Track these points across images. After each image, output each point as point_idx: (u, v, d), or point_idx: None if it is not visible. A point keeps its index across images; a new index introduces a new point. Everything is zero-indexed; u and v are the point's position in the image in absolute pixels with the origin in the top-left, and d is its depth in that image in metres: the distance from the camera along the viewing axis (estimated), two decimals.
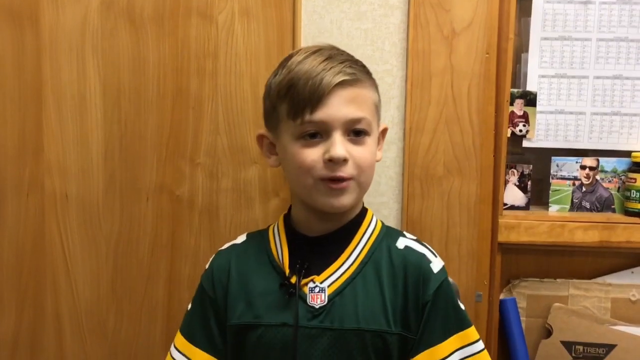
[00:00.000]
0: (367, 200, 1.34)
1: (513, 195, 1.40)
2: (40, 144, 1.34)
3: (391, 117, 1.33)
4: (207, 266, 1.13)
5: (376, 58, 1.32)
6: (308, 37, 1.30)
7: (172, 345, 1.11)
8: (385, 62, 1.32)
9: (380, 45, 1.32)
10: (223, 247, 1.15)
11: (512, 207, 1.40)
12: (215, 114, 1.33)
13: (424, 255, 1.06)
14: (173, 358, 1.10)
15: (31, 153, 1.35)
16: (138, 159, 1.34)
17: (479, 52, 1.30)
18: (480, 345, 1.04)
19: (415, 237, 1.11)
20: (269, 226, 1.14)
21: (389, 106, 1.33)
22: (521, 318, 1.38)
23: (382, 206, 1.35)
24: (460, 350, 1.02)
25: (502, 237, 1.34)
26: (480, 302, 1.35)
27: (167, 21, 1.31)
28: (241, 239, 1.15)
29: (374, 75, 1.30)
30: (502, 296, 1.38)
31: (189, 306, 1.13)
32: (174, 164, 1.34)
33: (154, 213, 1.35)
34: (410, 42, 1.30)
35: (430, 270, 1.04)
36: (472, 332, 1.04)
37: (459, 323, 1.03)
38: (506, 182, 1.38)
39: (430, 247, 1.10)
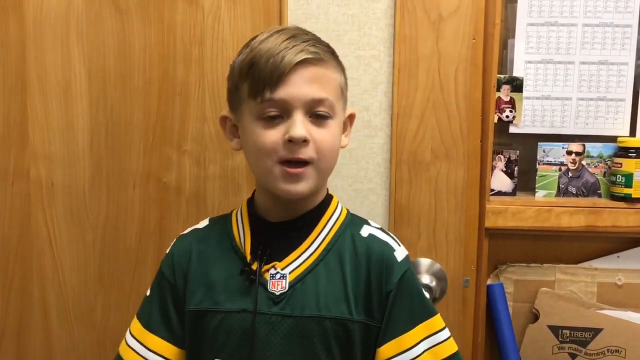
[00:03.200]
0: (355, 186, 1.34)
1: (500, 180, 1.40)
2: (25, 132, 1.33)
3: (378, 102, 1.33)
4: (167, 251, 1.11)
5: (363, 44, 1.32)
6: (295, 23, 1.30)
7: (128, 331, 1.09)
8: (373, 47, 1.32)
9: (367, 30, 1.32)
10: (184, 232, 1.13)
11: (499, 193, 1.41)
12: (202, 101, 1.33)
13: (387, 243, 1.05)
14: (127, 344, 1.07)
15: (16, 141, 1.34)
16: (124, 146, 1.34)
17: (466, 38, 1.30)
18: (447, 333, 1.03)
19: (379, 226, 1.10)
20: (232, 211, 1.12)
21: (376, 92, 1.33)
22: (508, 303, 1.39)
23: (370, 192, 1.35)
24: (427, 340, 1.01)
25: (489, 223, 1.34)
26: (468, 288, 1.35)
27: (153, 6, 1.30)
28: (203, 223, 1.13)
29: (361, 61, 1.31)
30: (489, 281, 1.39)
31: (148, 291, 1.11)
32: (161, 151, 1.34)
33: (141, 200, 1.35)
34: (397, 28, 1.30)
35: (394, 258, 1.03)
36: (437, 321, 1.03)
37: (424, 312, 1.03)
38: (493, 167, 1.39)
39: (394, 236, 1.09)
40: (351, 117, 1.10)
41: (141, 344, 1.06)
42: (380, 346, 1.01)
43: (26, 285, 1.37)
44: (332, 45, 1.28)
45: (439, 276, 1.34)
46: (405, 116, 1.32)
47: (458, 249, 1.35)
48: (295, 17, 1.31)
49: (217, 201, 1.35)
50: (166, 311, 1.06)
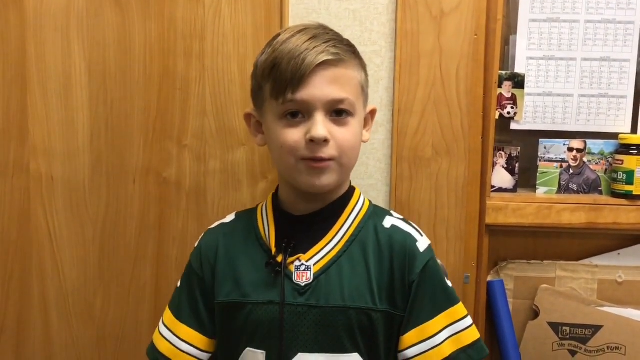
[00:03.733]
0: (356, 182, 1.33)
1: (501, 177, 1.40)
2: (25, 126, 1.33)
3: (380, 98, 1.33)
4: (196, 244, 1.14)
5: (365, 39, 1.31)
6: (296, 18, 1.29)
7: (161, 320, 1.12)
8: (374, 43, 1.31)
9: (368, 26, 1.31)
10: (212, 226, 1.16)
11: (500, 189, 1.40)
12: (203, 96, 1.32)
13: (409, 234, 1.07)
14: (160, 332, 1.11)
15: (16, 135, 1.33)
16: (125, 141, 1.33)
17: (468, 33, 1.30)
18: (469, 320, 1.05)
19: (402, 217, 1.12)
20: (257, 205, 1.14)
21: (378, 87, 1.32)
22: (508, 300, 1.39)
23: (370, 188, 1.35)
24: (450, 327, 1.03)
25: (490, 219, 1.34)
26: (468, 284, 1.35)
27: (154, 1, 1.30)
28: (230, 217, 1.16)
29: (363, 57, 1.30)
30: (489, 278, 1.39)
31: (178, 283, 1.13)
32: (161, 146, 1.33)
33: (141, 195, 1.34)
34: (398, 23, 1.30)
35: (417, 249, 1.05)
36: (460, 309, 1.05)
37: (447, 300, 1.05)
38: (494, 164, 1.38)
39: (416, 227, 1.10)
40: (372, 113, 1.12)
41: (173, 333, 1.10)
42: (403, 334, 1.03)
43: (26, 280, 1.37)
44: None
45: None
46: (406, 112, 1.32)
47: (458, 245, 1.35)
48: (296, 12, 1.30)
49: (218, 196, 1.34)
50: (195, 303, 1.09)
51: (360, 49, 1.29)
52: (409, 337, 1.03)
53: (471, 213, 1.34)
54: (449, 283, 1.07)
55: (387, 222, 1.08)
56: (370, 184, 1.35)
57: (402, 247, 1.05)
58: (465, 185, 1.33)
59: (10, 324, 1.37)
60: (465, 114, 1.32)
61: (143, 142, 1.33)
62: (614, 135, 1.40)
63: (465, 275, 1.35)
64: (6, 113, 1.33)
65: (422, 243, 1.07)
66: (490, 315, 1.38)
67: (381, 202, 1.35)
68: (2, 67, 1.32)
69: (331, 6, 1.31)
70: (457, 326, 1.04)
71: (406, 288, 1.03)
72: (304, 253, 1.04)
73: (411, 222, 1.11)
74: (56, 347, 1.38)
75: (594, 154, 1.40)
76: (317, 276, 1.02)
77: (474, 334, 1.05)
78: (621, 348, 1.35)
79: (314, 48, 0.98)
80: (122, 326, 1.37)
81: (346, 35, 1.29)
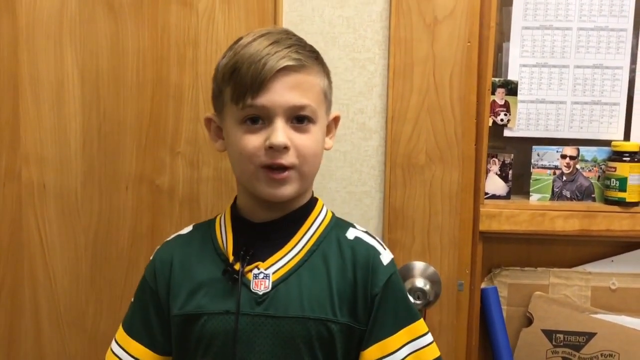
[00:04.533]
0: (349, 189, 1.34)
1: (494, 184, 1.40)
2: (16, 133, 1.32)
3: (373, 105, 1.33)
4: (151, 257, 1.11)
5: (358, 46, 1.31)
6: (289, 25, 1.29)
7: (114, 338, 1.10)
8: (368, 50, 1.31)
9: (362, 33, 1.31)
10: (168, 239, 1.14)
11: (494, 196, 1.40)
12: (196, 103, 1.32)
13: (373, 247, 1.05)
14: (112, 351, 1.09)
15: (7, 142, 1.32)
16: (117, 148, 1.33)
17: (461, 41, 1.30)
18: (429, 338, 1.03)
19: (365, 230, 1.10)
20: (216, 216, 1.12)
21: (371, 94, 1.32)
22: (502, 307, 1.38)
23: (364, 195, 1.35)
24: (410, 344, 1.01)
25: (484, 226, 1.34)
26: (462, 291, 1.35)
27: (147, 8, 1.30)
28: (187, 229, 1.14)
29: (356, 64, 1.31)
30: (483, 285, 1.39)
31: (132, 298, 1.11)
32: (154, 153, 1.33)
33: (133, 203, 1.34)
34: (392, 30, 1.30)
35: (380, 262, 1.03)
36: (421, 325, 1.03)
37: (409, 316, 1.03)
38: (487, 171, 1.38)
39: (379, 240, 1.09)
40: (336, 120, 1.11)
41: (124, 350, 1.07)
42: (364, 349, 1.01)
43: (17, 289, 1.36)
44: (327, 47, 1.29)
45: (433, 279, 1.33)
46: (400, 119, 1.32)
47: (452, 252, 1.34)
48: (290, 19, 1.30)
49: (211, 203, 1.34)
50: (147, 318, 1.07)
51: (353, 55, 1.31)
52: (370, 353, 1.01)
53: (465, 220, 1.34)
54: (411, 299, 1.06)
55: (351, 234, 1.07)
56: (363, 190, 1.35)
57: (366, 260, 1.03)
58: (458, 192, 1.33)
59: (1, 332, 1.37)
60: (459, 121, 1.32)
61: (136, 150, 1.33)
62: (606, 143, 1.40)
63: (459, 282, 1.35)
64: None
65: (385, 256, 1.05)
66: (484, 323, 1.38)
67: (375, 208, 1.34)
68: None
69: (325, 13, 1.31)
70: (418, 343, 1.02)
71: (368, 301, 1.01)
72: (263, 261, 1.02)
73: (374, 235, 1.09)
74: (47, 356, 1.37)
75: (587, 161, 1.41)
76: (275, 285, 1.00)
77: (434, 352, 1.03)
78: (615, 355, 1.35)
79: (275, 53, 0.97)
80: (113, 335, 1.35)
81: (339, 42, 1.30)
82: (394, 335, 1.01)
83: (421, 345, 1.02)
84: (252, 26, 1.29)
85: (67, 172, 1.33)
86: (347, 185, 1.34)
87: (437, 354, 1.03)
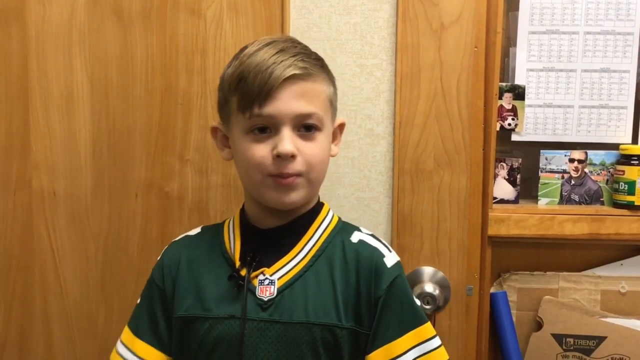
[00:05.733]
0: (357, 195, 1.34)
1: (502, 188, 1.40)
2: (27, 142, 1.33)
3: (381, 111, 1.33)
4: (159, 257, 1.12)
5: (365, 52, 1.32)
6: (297, 32, 1.30)
7: (119, 339, 1.10)
8: (375, 56, 1.32)
9: (369, 39, 1.32)
10: (176, 239, 1.14)
11: (502, 201, 1.40)
12: (204, 110, 1.33)
13: (377, 249, 1.05)
14: (117, 351, 1.08)
15: (18, 151, 1.33)
16: (127, 156, 1.33)
17: (468, 46, 1.30)
18: (437, 341, 1.02)
19: (371, 233, 1.10)
20: (225, 220, 1.13)
21: (379, 100, 1.33)
22: (512, 311, 1.38)
23: (372, 201, 1.35)
24: (417, 347, 1.00)
25: (492, 231, 1.34)
26: (471, 296, 1.35)
27: (155, 16, 1.31)
28: (195, 230, 1.14)
29: (363, 70, 1.32)
30: (492, 289, 1.39)
31: (138, 300, 1.11)
32: (163, 161, 1.34)
33: (143, 210, 1.34)
34: (399, 36, 1.30)
35: (384, 264, 1.03)
36: (428, 329, 1.02)
37: (415, 319, 1.02)
38: (495, 175, 1.39)
39: (385, 243, 1.08)
40: (341, 126, 1.11)
41: (129, 350, 1.07)
42: (369, 353, 1.01)
43: (28, 296, 1.36)
44: (334, 54, 1.30)
45: (442, 284, 1.33)
46: (407, 125, 1.32)
47: (461, 257, 1.34)
48: (297, 26, 1.31)
49: (220, 210, 1.34)
50: (154, 316, 1.07)
51: (360, 62, 1.32)
52: (375, 357, 1.00)
53: (473, 225, 1.34)
54: (418, 302, 1.05)
55: (355, 237, 1.07)
56: (372, 196, 1.35)
57: (369, 262, 1.02)
58: (467, 197, 1.33)
59: (13, 339, 1.37)
60: (466, 126, 1.32)
61: (145, 157, 1.33)
62: (614, 146, 1.40)
63: (469, 287, 1.35)
64: (8, 129, 1.33)
65: (390, 259, 1.04)
66: (494, 327, 1.38)
67: (383, 214, 1.35)
68: (4, 83, 1.32)
69: (332, 20, 1.31)
70: (425, 346, 1.01)
71: (372, 304, 1.01)
72: (269, 267, 1.02)
73: (380, 238, 1.09)
74: None
75: (595, 164, 1.41)
76: (280, 291, 1.00)
77: (442, 356, 1.02)
78: (625, 359, 1.35)
79: (281, 62, 0.97)
80: None
81: (347, 48, 1.31)
82: (400, 339, 1.00)
83: (429, 349, 1.01)
84: (260, 34, 1.30)
85: (77, 180, 1.34)
86: (356, 191, 1.35)
87: (446, 357, 1.03)
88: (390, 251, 1.07)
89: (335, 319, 0.99)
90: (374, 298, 1.01)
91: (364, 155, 1.34)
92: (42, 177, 1.34)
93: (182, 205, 1.34)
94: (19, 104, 1.33)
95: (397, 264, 1.05)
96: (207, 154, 1.33)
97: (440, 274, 1.34)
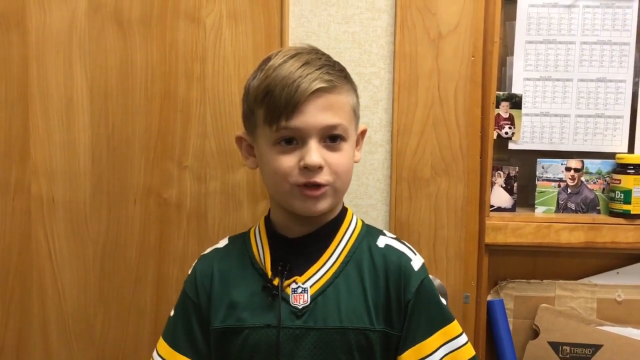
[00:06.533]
0: (355, 202, 1.35)
1: (499, 196, 1.41)
2: (26, 147, 1.34)
3: (379, 119, 1.34)
4: (189, 271, 1.13)
5: (363, 61, 1.33)
6: (296, 40, 1.31)
7: (155, 352, 1.10)
8: (373, 64, 1.33)
9: (367, 48, 1.33)
10: (205, 252, 1.15)
11: (499, 209, 1.41)
12: (203, 117, 1.33)
13: (404, 253, 1.07)
14: None
15: (17, 156, 1.34)
16: (125, 162, 1.34)
17: (465, 55, 1.31)
18: (464, 338, 1.06)
19: (395, 236, 1.12)
20: (250, 229, 1.14)
21: (377, 108, 1.34)
22: (508, 319, 1.39)
23: (370, 208, 1.35)
24: (446, 345, 1.03)
25: (489, 239, 1.35)
26: (468, 304, 1.36)
27: (155, 24, 1.31)
28: (223, 242, 1.15)
29: (362, 78, 1.32)
30: (489, 297, 1.39)
31: (172, 312, 1.12)
32: (162, 167, 1.34)
33: (141, 216, 1.35)
34: (397, 45, 1.31)
35: (411, 268, 1.05)
36: (455, 326, 1.06)
37: (443, 318, 1.05)
38: (492, 183, 1.39)
39: (410, 245, 1.11)
40: (363, 133, 1.13)
41: None
42: (401, 354, 1.03)
43: (26, 301, 1.37)
44: None
45: (440, 292, 1.32)
46: (405, 133, 1.33)
47: (458, 265, 1.35)
48: (296, 34, 1.32)
49: (218, 217, 1.35)
50: (191, 331, 1.08)
51: (359, 70, 1.33)
52: (407, 357, 1.03)
53: (470, 233, 1.35)
54: (444, 301, 1.08)
55: (381, 241, 1.09)
56: (370, 204, 1.35)
57: (397, 267, 1.05)
58: (464, 205, 1.34)
59: (11, 344, 1.37)
60: (464, 134, 1.33)
61: (144, 164, 1.34)
62: (611, 155, 1.41)
63: (465, 294, 1.35)
64: (8, 134, 1.33)
65: (416, 262, 1.07)
66: (491, 335, 1.38)
67: (381, 221, 1.35)
68: (4, 89, 1.33)
69: (331, 29, 1.32)
70: (453, 344, 1.04)
71: (402, 307, 1.03)
72: (300, 275, 1.04)
73: (404, 241, 1.11)
74: None
75: (591, 173, 1.41)
76: (314, 298, 1.03)
77: (469, 352, 1.05)
78: None
79: (307, 75, 0.98)
80: (122, 347, 1.37)
81: (345, 57, 1.32)
82: (430, 338, 1.03)
83: (457, 346, 1.04)
84: (259, 42, 1.31)
85: (75, 186, 1.34)
86: (354, 199, 1.35)
87: (472, 353, 1.06)
88: (415, 254, 1.09)
89: (368, 322, 1.02)
90: (404, 301, 1.03)
91: (361, 162, 1.34)
92: (41, 182, 1.34)
93: (181, 212, 1.35)
94: (19, 110, 1.33)
95: (423, 266, 1.08)
96: (205, 160, 1.34)
97: (438, 281, 1.34)
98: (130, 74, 1.32)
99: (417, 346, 1.03)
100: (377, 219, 1.35)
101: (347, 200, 1.34)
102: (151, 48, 1.32)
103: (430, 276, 1.32)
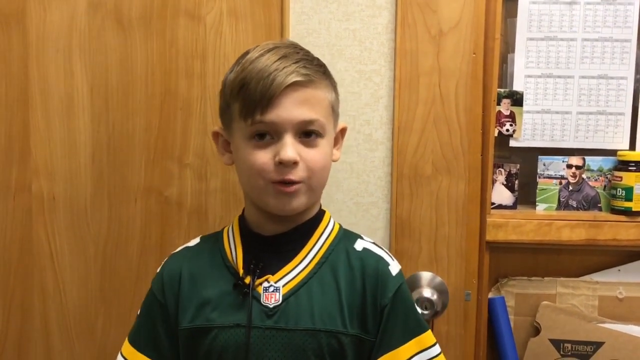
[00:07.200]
0: (356, 200, 1.35)
1: (500, 194, 1.41)
2: (27, 146, 1.34)
3: (379, 116, 1.34)
4: (157, 270, 1.11)
5: (364, 58, 1.32)
6: (296, 38, 1.31)
7: (119, 353, 1.09)
8: (374, 62, 1.33)
9: (368, 45, 1.32)
10: (175, 251, 1.13)
11: (500, 206, 1.41)
12: (204, 115, 1.33)
13: (382, 257, 1.06)
14: None
15: (18, 155, 1.34)
16: (126, 160, 1.34)
17: (466, 52, 1.31)
18: (438, 348, 1.04)
19: (372, 240, 1.11)
20: (223, 228, 1.13)
21: (377, 106, 1.33)
22: (510, 316, 1.39)
23: (371, 206, 1.35)
24: (420, 354, 1.02)
25: (490, 236, 1.35)
26: (469, 301, 1.35)
27: (155, 22, 1.31)
28: (195, 241, 1.13)
29: (362, 76, 1.32)
30: (490, 295, 1.39)
31: (139, 311, 1.10)
32: (163, 165, 1.34)
33: (142, 214, 1.35)
34: (398, 42, 1.31)
35: (389, 272, 1.04)
36: (429, 336, 1.04)
37: (418, 326, 1.03)
38: (494, 181, 1.39)
39: (387, 251, 1.09)
40: (343, 131, 1.11)
41: None
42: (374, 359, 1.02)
43: (27, 300, 1.37)
44: (334, 59, 1.31)
45: (440, 290, 1.34)
46: (406, 130, 1.32)
47: (459, 262, 1.35)
48: (297, 32, 1.32)
49: (219, 215, 1.35)
50: (155, 331, 1.06)
51: (359, 67, 1.32)
52: None
53: (471, 230, 1.35)
54: (419, 309, 1.07)
55: (359, 245, 1.07)
56: (370, 201, 1.35)
57: (374, 270, 1.03)
58: (465, 202, 1.34)
59: (12, 343, 1.37)
60: (465, 131, 1.33)
61: (144, 162, 1.34)
62: (612, 152, 1.40)
63: (467, 292, 1.35)
64: (8, 133, 1.33)
65: (394, 267, 1.06)
66: (492, 332, 1.38)
67: (382, 219, 1.35)
68: (4, 87, 1.33)
69: (331, 26, 1.32)
70: (427, 354, 1.02)
71: (378, 312, 1.01)
72: (273, 274, 1.02)
73: (382, 247, 1.10)
74: None
75: (592, 170, 1.41)
76: (286, 298, 1.00)
77: None
78: None
79: (283, 68, 0.97)
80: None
81: (346, 54, 1.32)
82: (404, 346, 1.01)
83: (431, 356, 1.02)
84: (260, 39, 1.30)
85: (76, 184, 1.34)
86: (354, 197, 1.35)
87: None
88: (393, 259, 1.08)
89: (341, 325, 1.00)
90: (380, 306, 1.02)
91: (362, 160, 1.34)
92: (42, 181, 1.34)
93: (181, 210, 1.35)
94: (19, 108, 1.33)
95: (400, 272, 1.06)
96: (206, 158, 1.33)
97: (439, 279, 1.34)
98: (130, 72, 1.32)
99: (391, 353, 1.00)
100: (378, 217, 1.35)
101: (347, 198, 1.35)
102: (151, 46, 1.32)
103: (431, 274, 1.34)
